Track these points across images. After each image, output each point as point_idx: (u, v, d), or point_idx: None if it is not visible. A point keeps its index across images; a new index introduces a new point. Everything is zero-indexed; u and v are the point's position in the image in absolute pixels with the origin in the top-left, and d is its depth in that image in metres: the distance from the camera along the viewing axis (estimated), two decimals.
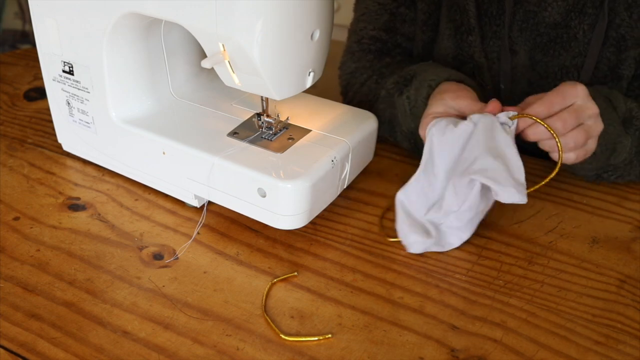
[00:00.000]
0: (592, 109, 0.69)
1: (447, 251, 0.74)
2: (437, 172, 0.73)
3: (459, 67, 0.90)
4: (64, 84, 0.83)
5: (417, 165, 0.87)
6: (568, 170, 0.81)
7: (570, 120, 0.68)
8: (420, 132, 0.76)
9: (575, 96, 0.69)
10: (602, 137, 0.72)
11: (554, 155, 0.71)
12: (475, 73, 0.90)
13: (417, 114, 0.81)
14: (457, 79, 0.79)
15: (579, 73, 0.84)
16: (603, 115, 0.71)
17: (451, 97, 0.74)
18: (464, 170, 0.69)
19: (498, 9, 0.85)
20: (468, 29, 0.87)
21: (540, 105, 0.69)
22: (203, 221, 0.78)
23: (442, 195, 0.72)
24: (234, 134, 0.77)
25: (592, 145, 0.72)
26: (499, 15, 0.86)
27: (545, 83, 0.87)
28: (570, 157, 0.71)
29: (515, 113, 0.70)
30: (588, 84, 0.84)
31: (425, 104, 0.79)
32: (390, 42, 0.95)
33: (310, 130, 0.77)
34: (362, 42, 0.96)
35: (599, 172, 0.79)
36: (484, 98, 0.76)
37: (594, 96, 0.72)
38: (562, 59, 0.84)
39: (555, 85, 0.82)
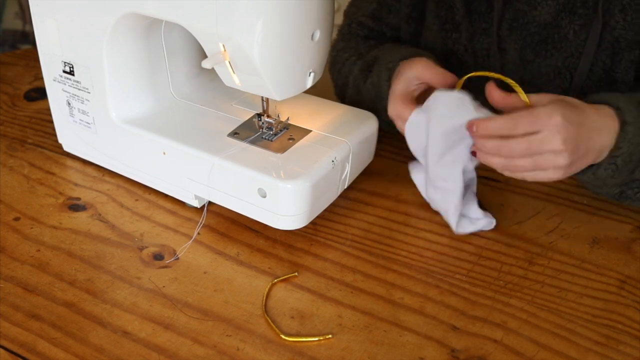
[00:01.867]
0: (556, 145, 0.64)
1: (447, 251, 0.74)
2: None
3: (445, 61, 0.90)
4: (65, 84, 0.83)
5: None
6: (590, 189, 0.79)
7: (520, 151, 0.66)
8: (390, 112, 0.77)
9: (544, 125, 0.65)
10: (627, 149, 0.69)
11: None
12: (462, 69, 0.90)
13: (382, 97, 0.82)
14: (415, 57, 0.80)
15: (572, 75, 0.84)
16: (633, 122, 0.68)
17: (407, 68, 0.77)
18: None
19: (487, 6, 0.85)
20: (453, 26, 0.88)
21: (504, 121, 0.67)
22: (203, 221, 0.78)
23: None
24: (234, 134, 0.77)
25: (552, 175, 0.68)
26: (488, 13, 0.86)
27: (538, 82, 0.86)
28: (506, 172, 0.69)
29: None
30: (582, 87, 0.84)
31: (387, 86, 0.80)
32: (376, 30, 0.96)
33: (311, 131, 0.77)
34: (352, 26, 0.98)
35: (622, 189, 0.75)
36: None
37: (627, 102, 0.69)
38: (554, 59, 0.84)
39: (546, 89, 0.82)
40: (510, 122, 0.66)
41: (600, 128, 0.68)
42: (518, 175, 0.69)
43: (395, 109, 0.76)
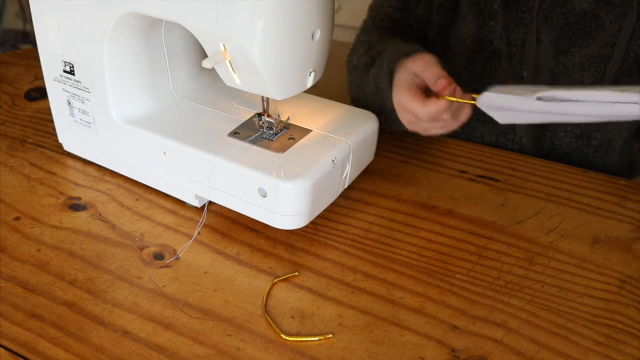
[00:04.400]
0: None
1: (447, 251, 0.74)
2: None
3: (477, 51, 0.90)
4: (65, 83, 0.83)
5: (417, 166, 0.88)
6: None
7: None
8: (395, 101, 0.78)
9: None
10: None
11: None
12: (492, 58, 0.90)
13: (380, 89, 0.82)
14: (419, 53, 0.80)
15: (606, 64, 0.84)
16: None
17: (410, 62, 0.77)
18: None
19: None
20: (491, 14, 0.88)
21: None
22: (204, 221, 0.78)
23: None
24: (234, 133, 0.77)
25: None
26: (526, 2, 0.86)
27: (571, 73, 0.86)
28: None
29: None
30: (614, 77, 0.84)
31: (387, 79, 0.80)
32: (403, 22, 0.95)
33: (311, 130, 0.77)
34: (376, 18, 0.96)
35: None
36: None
37: None
38: (590, 49, 0.84)
39: (580, 77, 0.82)
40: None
41: None
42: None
43: (400, 99, 0.76)
